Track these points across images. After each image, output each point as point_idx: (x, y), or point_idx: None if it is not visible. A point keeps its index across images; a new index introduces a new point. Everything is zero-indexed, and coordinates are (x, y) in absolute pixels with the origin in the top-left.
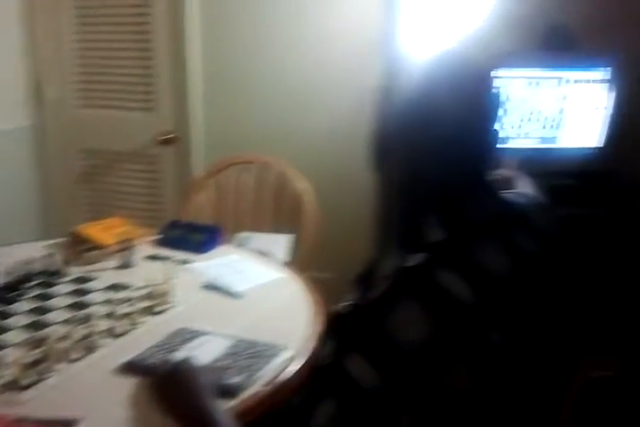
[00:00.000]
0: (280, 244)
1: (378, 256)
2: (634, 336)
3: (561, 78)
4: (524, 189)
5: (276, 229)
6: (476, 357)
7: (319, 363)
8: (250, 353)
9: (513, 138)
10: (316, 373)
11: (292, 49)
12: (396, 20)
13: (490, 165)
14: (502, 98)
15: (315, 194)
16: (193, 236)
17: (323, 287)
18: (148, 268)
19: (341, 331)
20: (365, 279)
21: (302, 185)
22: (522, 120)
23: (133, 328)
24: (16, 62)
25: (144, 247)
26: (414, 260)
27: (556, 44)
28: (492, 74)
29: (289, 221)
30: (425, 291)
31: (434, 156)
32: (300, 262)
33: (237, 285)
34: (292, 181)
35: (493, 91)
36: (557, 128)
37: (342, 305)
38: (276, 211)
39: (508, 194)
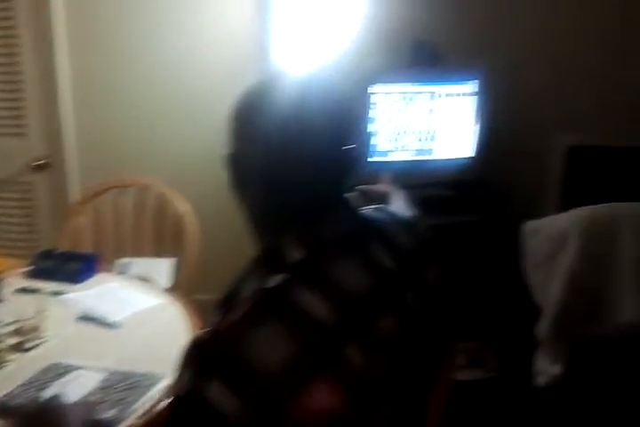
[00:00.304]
0: (162, 268)
1: (240, 278)
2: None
3: (432, 93)
4: (396, 202)
5: (159, 252)
6: (339, 376)
7: (177, 393)
8: (125, 385)
9: (390, 151)
10: (175, 403)
11: (165, 67)
12: (270, 35)
13: (348, 181)
14: (377, 113)
15: (196, 215)
16: (67, 265)
17: (208, 310)
18: (18, 302)
19: (199, 357)
20: (227, 302)
21: (183, 206)
22: (398, 133)
23: (2, 367)
24: None
25: (14, 280)
26: (273, 281)
27: (424, 59)
28: (368, 90)
29: (171, 244)
30: (284, 312)
31: (290, 174)
32: (183, 286)
33: (114, 314)
34: (172, 202)
35: (351, 108)
36: (432, 140)
37: (201, 330)
38: (158, 234)
39: (367, 210)
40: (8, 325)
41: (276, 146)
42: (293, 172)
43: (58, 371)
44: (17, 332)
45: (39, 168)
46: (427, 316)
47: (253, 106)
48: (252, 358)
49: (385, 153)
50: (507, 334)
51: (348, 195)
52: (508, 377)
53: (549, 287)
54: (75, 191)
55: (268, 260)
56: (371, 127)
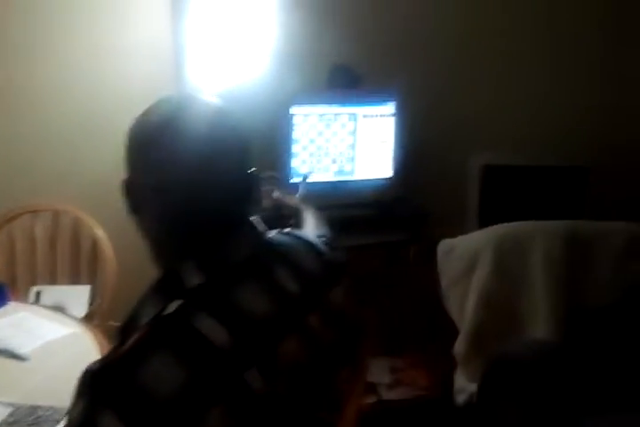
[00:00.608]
0: (77, 295)
1: (138, 304)
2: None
3: (352, 114)
4: (308, 221)
5: (74, 279)
6: (238, 401)
7: (71, 424)
8: (31, 420)
9: (310, 172)
10: None
11: (78, 85)
12: (186, 53)
13: (252, 205)
14: (297, 134)
15: (110, 240)
16: None
17: None
18: None
19: (93, 386)
20: (124, 329)
21: (98, 232)
22: (318, 155)
23: None
24: None
25: None
26: (171, 307)
27: (343, 81)
28: (290, 110)
29: (86, 270)
30: (180, 338)
31: (189, 200)
32: (99, 313)
33: (23, 345)
34: (88, 228)
35: (243, 133)
36: (352, 161)
37: (95, 360)
38: (73, 261)
39: (273, 233)
40: None
41: (177, 173)
42: (193, 198)
43: None
44: None
45: None
46: (332, 338)
47: (149, 135)
48: (146, 387)
49: (305, 174)
50: (435, 352)
51: (252, 218)
52: (436, 396)
53: (465, 305)
54: None
55: (166, 285)
56: (292, 148)
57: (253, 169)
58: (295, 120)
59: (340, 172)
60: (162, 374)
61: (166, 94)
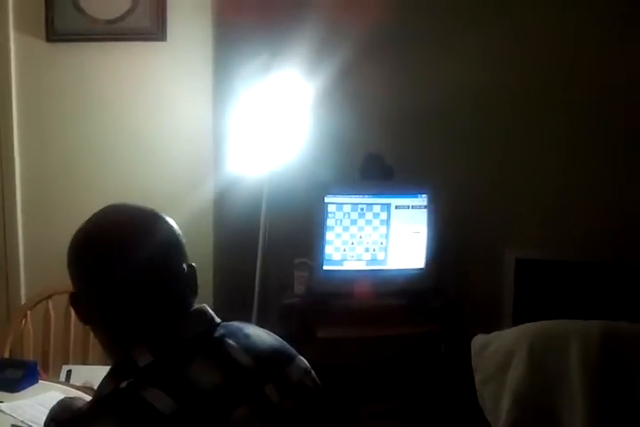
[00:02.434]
0: None
1: (98, 388)
2: None
3: (384, 204)
4: None
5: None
6: None
7: None
8: None
9: (343, 260)
10: None
11: (119, 174)
12: (226, 144)
13: (193, 292)
14: (331, 223)
15: None
16: (7, 373)
17: None
18: None
19: None
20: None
21: None
22: (351, 243)
23: None
24: None
25: None
26: (123, 384)
27: (376, 173)
28: (325, 199)
29: None
30: (125, 406)
31: (135, 293)
32: None
33: None
34: None
35: (175, 232)
36: (385, 250)
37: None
38: None
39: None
40: None
41: (117, 281)
42: (135, 298)
43: None
44: None
45: None
46: (293, 408)
47: (79, 239)
48: None
49: (339, 262)
50: None
51: (202, 305)
52: None
53: (499, 403)
54: (21, 294)
55: (121, 369)
56: (325, 236)
57: (189, 263)
58: (329, 208)
59: (373, 261)
60: None
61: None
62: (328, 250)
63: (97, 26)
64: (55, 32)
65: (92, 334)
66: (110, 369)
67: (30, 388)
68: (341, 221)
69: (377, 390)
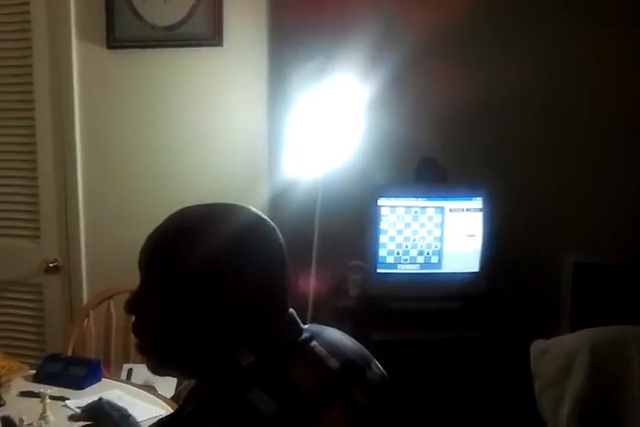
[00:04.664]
0: (167, 377)
1: (195, 385)
2: None
3: (438, 207)
4: None
5: None
6: None
7: None
8: None
9: (397, 263)
10: None
11: (176, 178)
12: (282, 146)
13: (288, 295)
14: (385, 225)
15: None
16: (72, 370)
17: None
18: (20, 405)
19: None
20: (183, 402)
21: None
22: (406, 246)
23: None
24: None
25: (19, 383)
26: (226, 382)
27: (429, 175)
28: (378, 202)
29: None
30: (230, 406)
31: (241, 290)
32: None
33: None
34: None
35: (276, 235)
36: (439, 253)
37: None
38: None
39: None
40: None
41: (226, 274)
42: (243, 300)
43: None
44: None
45: (51, 270)
46: (375, 411)
47: (184, 240)
48: None
49: (393, 265)
50: None
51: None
52: None
53: (559, 409)
54: (84, 294)
55: (223, 369)
56: (379, 239)
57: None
58: (383, 211)
59: (427, 264)
60: None
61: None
62: (382, 253)
63: (155, 33)
64: (115, 39)
65: None
66: (203, 371)
67: (94, 385)
68: (395, 224)
69: (430, 395)
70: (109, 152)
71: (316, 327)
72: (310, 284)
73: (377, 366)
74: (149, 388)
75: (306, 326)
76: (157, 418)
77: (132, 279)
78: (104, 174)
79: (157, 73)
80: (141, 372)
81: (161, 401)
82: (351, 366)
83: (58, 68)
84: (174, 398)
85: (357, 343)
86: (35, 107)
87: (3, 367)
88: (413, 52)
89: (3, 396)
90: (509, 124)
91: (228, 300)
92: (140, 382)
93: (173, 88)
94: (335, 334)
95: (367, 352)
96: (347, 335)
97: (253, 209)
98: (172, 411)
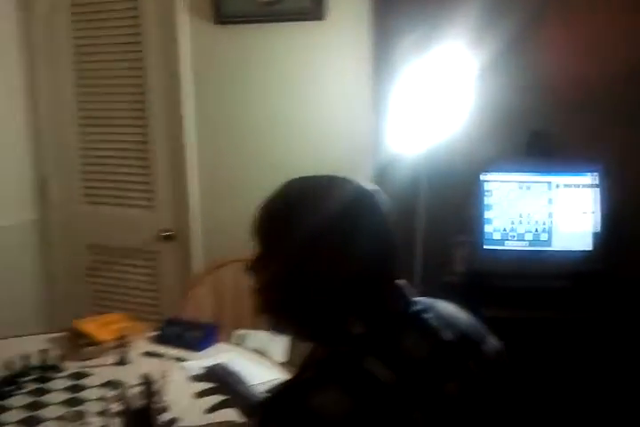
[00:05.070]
0: (277, 343)
1: (311, 352)
2: None
3: (550, 183)
4: None
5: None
6: None
7: None
8: None
9: (505, 240)
10: None
11: (290, 151)
12: (384, 123)
13: (395, 267)
14: (493, 201)
15: None
16: (190, 333)
17: None
18: (143, 365)
19: (267, 405)
20: (300, 369)
21: None
22: (513, 223)
23: None
24: (23, 161)
25: (141, 344)
26: (341, 350)
27: (540, 149)
28: (481, 177)
29: None
30: (349, 374)
31: (352, 259)
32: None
33: None
34: None
35: (381, 208)
36: (548, 231)
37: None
38: None
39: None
40: (134, 387)
41: (333, 244)
42: (353, 268)
43: None
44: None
45: (166, 239)
46: (488, 385)
47: (281, 216)
48: (312, 410)
49: (500, 242)
50: None
51: (400, 281)
52: None
53: None
54: (198, 262)
55: (334, 336)
56: (486, 215)
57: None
58: (490, 186)
59: (536, 241)
60: (329, 401)
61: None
62: (488, 229)
63: (259, 8)
64: (222, 15)
65: None
66: (324, 336)
67: (209, 349)
68: (502, 199)
69: (540, 373)
70: (220, 124)
71: (429, 300)
72: (416, 259)
73: (493, 340)
74: (261, 354)
75: (418, 299)
76: (270, 382)
77: (245, 248)
78: (216, 146)
79: (262, 47)
80: (253, 338)
81: (273, 366)
82: (466, 339)
83: (167, 44)
84: (285, 365)
85: (472, 317)
86: (146, 82)
87: (126, 328)
88: (526, 16)
89: (126, 355)
90: (628, 95)
91: (336, 266)
92: (252, 347)
93: (278, 62)
94: (448, 307)
95: (482, 326)
96: (458, 308)
97: (360, 181)
98: (285, 376)
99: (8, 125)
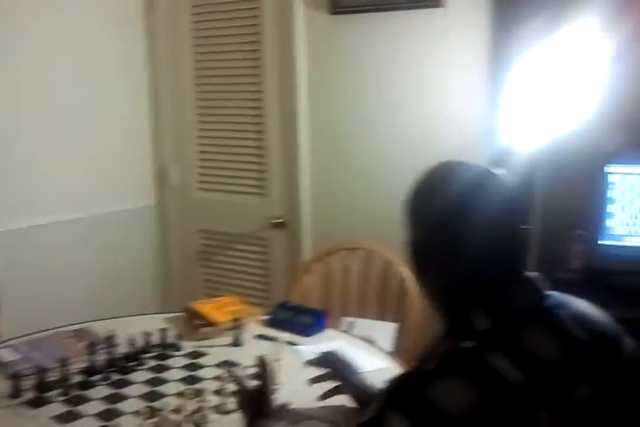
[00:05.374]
0: (385, 332)
1: (431, 346)
2: None
3: None
4: None
5: (381, 315)
6: None
7: (363, 419)
8: None
9: (625, 235)
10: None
11: (397, 140)
12: (498, 111)
13: (523, 259)
14: (614, 194)
15: (417, 284)
16: (300, 318)
17: None
18: (256, 347)
19: (389, 392)
20: (421, 361)
21: (406, 275)
22: (635, 217)
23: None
24: (144, 148)
25: (253, 326)
26: (465, 344)
27: None
28: (605, 169)
29: (394, 309)
30: (473, 368)
31: (477, 252)
32: (403, 352)
33: None
34: (396, 270)
35: (514, 187)
36: None
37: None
38: (382, 298)
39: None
40: (248, 368)
41: (453, 230)
42: (474, 256)
43: (290, 418)
44: (256, 375)
45: (277, 226)
46: (625, 390)
47: (423, 194)
48: (434, 400)
49: (619, 237)
50: None
51: (533, 273)
52: None
53: None
54: (306, 249)
55: (457, 329)
56: (607, 209)
57: (525, 227)
58: (613, 179)
59: None
60: (451, 393)
61: (442, 161)
62: (609, 224)
63: None
64: (337, 5)
65: (369, 290)
66: (446, 328)
67: (319, 334)
68: (625, 192)
69: None
70: (333, 114)
71: (562, 296)
72: (530, 253)
73: (630, 341)
74: (369, 342)
75: (550, 293)
76: (379, 371)
77: (353, 236)
78: (328, 135)
79: (378, 36)
80: (360, 326)
81: (381, 355)
82: (601, 339)
83: (284, 36)
84: (392, 354)
85: (607, 317)
86: (263, 73)
87: (240, 311)
88: None
89: (240, 337)
90: None
91: (458, 252)
92: (359, 335)
93: (393, 51)
94: (582, 305)
95: (618, 326)
96: (592, 305)
97: (485, 167)
98: (393, 365)
99: (132, 118)
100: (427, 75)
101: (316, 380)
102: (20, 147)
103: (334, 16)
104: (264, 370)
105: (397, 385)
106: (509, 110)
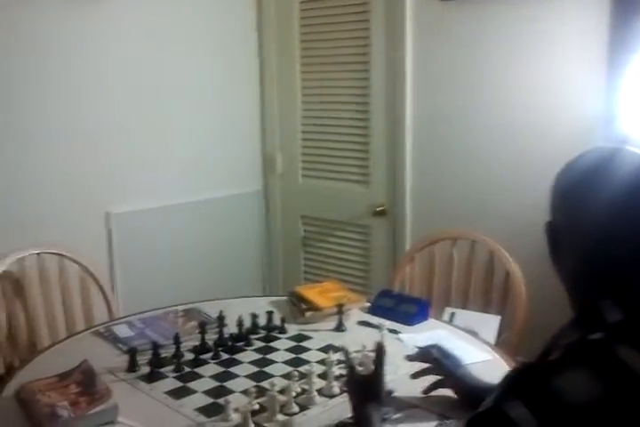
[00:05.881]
0: (488, 324)
1: (557, 335)
2: None
3: None
4: None
5: (484, 307)
6: None
7: (481, 408)
8: None
9: None
10: (476, 416)
11: (505, 126)
12: (618, 100)
13: None
14: None
15: (524, 277)
16: (403, 307)
17: None
18: (359, 333)
19: (511, 380)
20: (544, 353)
21: (512, 266)
22: None
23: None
24: (253, 138)
25: (356, 313)
26: (593, 336)
27: None
28: None
29: (497, 301)
30: (601, 361)
31: (603, 243)
32: (507, 346)
33: None
34: (501, 260)
35: None
36: None
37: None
38: (485, 290)
39: None
40: (352, 353)
41: (593, 219)
42: (608, 242)
43: (396, 405)
44: (360, 361)
45: (378, 214)
46: None
47: (583, 181)
48: (557, 391)
49: None
50: None
51: None
52: None
53: None
54: (407, 238)
55: (586, 320)
56: None
57: None
58: None
59: None
60: (576, 384)
61: (596, 146)
62: None
63: None
64: None
65: (473, 281)
66: (573, 319)
67: (421, 323)
68: None
69: None
70: (437, 105)
71: None
72: None
73: None
74: (471, 333)
75: None
76: (483, 363)
77: (454, 225)
78: (432, 123)
79: (490, 22)
80: (463, 317)
81: (485, 347)
82: None
83: (393, 21)
84: (495, 347)
85: None
86: (370, 59)
87: (343, 297)
88: None
89: (343, 323)
90: None
91: (602, 242)
92: (461, 326)
93: (507, 37)
94: None
95: None
96: None
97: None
98: (495, 358)
99: (242, 108)
100: (541, 63)
101: (417, 375)
102: (141, 137)
103: (444, 2)
104: (380, 356)
105: (518, 375)
106: (629, 100)
